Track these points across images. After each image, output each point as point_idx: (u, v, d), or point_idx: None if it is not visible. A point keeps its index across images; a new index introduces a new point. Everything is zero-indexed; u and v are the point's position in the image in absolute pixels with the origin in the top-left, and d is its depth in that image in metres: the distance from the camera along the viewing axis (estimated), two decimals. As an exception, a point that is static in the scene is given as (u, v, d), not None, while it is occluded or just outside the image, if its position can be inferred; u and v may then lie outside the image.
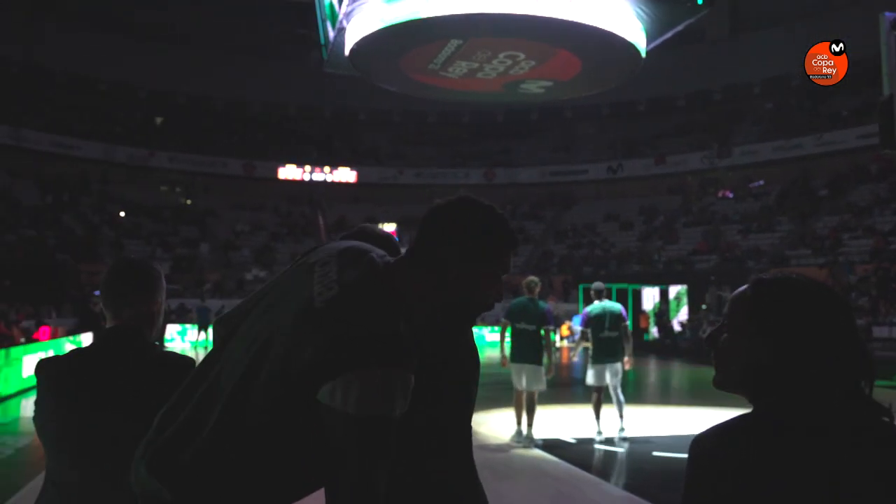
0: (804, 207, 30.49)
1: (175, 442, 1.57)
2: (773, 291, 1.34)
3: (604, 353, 8.35)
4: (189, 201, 36.17)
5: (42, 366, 2.12)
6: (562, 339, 27.49)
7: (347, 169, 38.13)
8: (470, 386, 1.89)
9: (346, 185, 38.02)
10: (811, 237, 28.33)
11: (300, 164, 37.75)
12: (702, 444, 1.29)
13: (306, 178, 37.62)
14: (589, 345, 8.68)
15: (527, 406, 8.24)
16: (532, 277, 8.48)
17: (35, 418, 2.13)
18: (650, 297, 29.18)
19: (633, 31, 14.58)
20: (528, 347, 8.13)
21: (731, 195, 34.30)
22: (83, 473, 2.02)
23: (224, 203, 36.01)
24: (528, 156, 39.72)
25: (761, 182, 33.58)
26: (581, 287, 30.09)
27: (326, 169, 37.83)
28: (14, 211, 28.88)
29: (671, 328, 26.75)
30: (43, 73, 33.81)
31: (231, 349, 1.68)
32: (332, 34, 15.25)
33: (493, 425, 9.27)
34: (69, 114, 33.97)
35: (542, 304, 8.32)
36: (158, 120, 37.59)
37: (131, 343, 2.12)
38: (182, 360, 2.13)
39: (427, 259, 1.64)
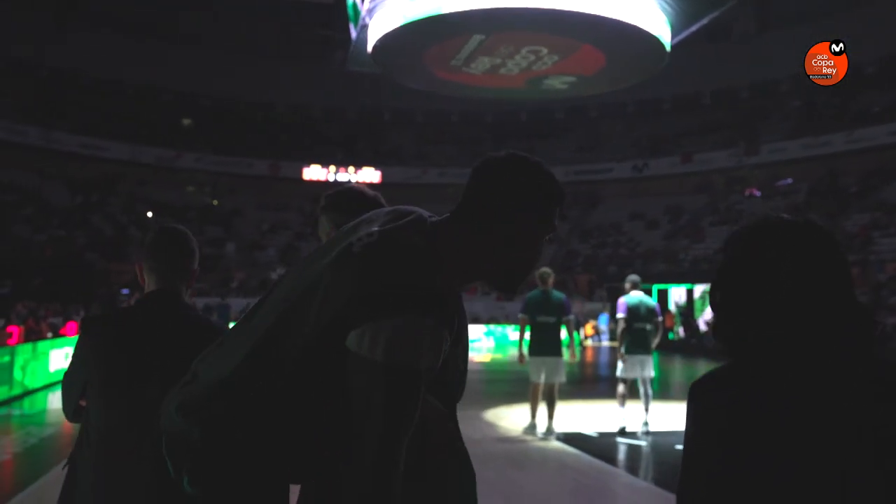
0: (833, 205, 30.05)
1: (206, 386, 1.57)
2: (761, 236, 1.32)
3: (637, 344, 8.27)
4: (215, 201, 36.50)
5: (88, 322, 2.20)
6: (586, 338, 27.32)
7: (371, 169, 38.25)
8: (461, 375, 1.80)
9: (370, 185, 37.82)
10: (841, 235, 27.90)
11: (324, 164, 37.95)
12: (702, 384, 1.31)
13: (331, 178, 37.78)
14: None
15: (547, 399, 8.17)
16: (545, 269, 8.38)
17: (70, 373, 2.20)
18: (676, 296, 28.92)
19: (658, 24, 14.46)
20: (550, 340, 8.06)
21: (758, 193, 33.90)
22: (119, 419, 2.08)
23: (249, 203, 36.29)
24: (552, 155, 39.52)
25: (790, 180, 33.15)
26: (606, 287, 29.94)
27: (351, 169, 37.99)
28: (44, 211, 29.34)
29: (697, 327, 26.48)
30: (71, 76, 34.32)
31: (269, 300, 1.66)
32: (353, 32, 15.30)
33: (514, 419, 9.22)
34: (97, 116, 34.42)
35: (556, 294, 8.24)
36: (185, 121, 37.98)
37: (172, 305, 2.21)
38: (219, 325, 2.22)
39: (472, 216, 1.58)
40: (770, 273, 1.28)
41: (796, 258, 1.28)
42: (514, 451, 7.50)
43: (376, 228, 1.60)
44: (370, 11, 14.30)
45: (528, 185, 1.58)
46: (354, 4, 14.46)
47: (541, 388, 8.18)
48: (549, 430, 8.09)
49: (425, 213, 1.65)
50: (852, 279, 1.31)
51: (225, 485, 1.56)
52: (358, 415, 1.45)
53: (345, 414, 1.49)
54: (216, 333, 1.94)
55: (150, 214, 33.05)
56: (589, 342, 25.54)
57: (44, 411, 11.01)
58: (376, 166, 38.42)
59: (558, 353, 8.08)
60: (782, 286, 1.27)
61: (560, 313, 8.05)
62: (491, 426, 9.00)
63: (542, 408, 8.28)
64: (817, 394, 1.22)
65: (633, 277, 8.61)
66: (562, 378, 8.16)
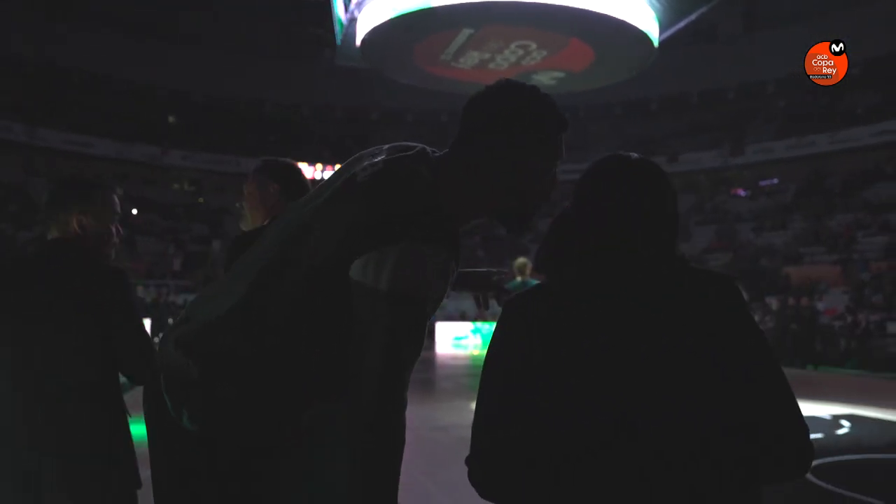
0: (818, 205, 30.29)
1: (202, 323, 1.56)
2: (591, 167, 1.40)
3: None
4: (202, 199, 36.33)
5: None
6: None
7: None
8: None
9: (358, 183, 38.04)
10: (825, 235, 28.13)
11: (312, 163, 37.82)
12: (512, 298, 1.37)
13: (317, 176, 37.68)
14: None
15: None
16: (521, 259, 8.40)
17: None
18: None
19: (646, 20, 14.55)
20: None
21: (744, 193, 34.12)
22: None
23: (236, 201, 36.16)
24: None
25: (775, 180, 33.38)
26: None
27: (338, 167, 37.93)
28: (29, 208, 29.11)
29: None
30: (58, 72, 34.06)
31: (262, 242, 1.64)
32: (338, 38, 15.30)
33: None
34: (84, 112, 34.20)
35: (535, 283, 8.24)
36: (172, 119, 37.79)
37: (69, 254, 2.17)
38: (116, 270, 2.20)
39: (471, 152, 1.54)
40: (599, 202, 1.34)
41: (623, 192, 1.33)
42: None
43: (382, 158, 1.58)
44: (359, 4, 14.32)
45: (525, 110, 1.54)
46: (340, 19, 14.48)
47: None
48: None
49: (429, 148, 1.63)
50: (676, 228, 1.37)
51: (224, 420, 1.53)
52: (361, 344, 1.43)
53: (349, 343, 1.47)
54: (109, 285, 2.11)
55: (134, 212, 32.86)
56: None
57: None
58: (365, 165, 38.35)
59: None
60: (607, 215, 1.32)
61: None
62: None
63: None
64: (620, 293, 1.27)
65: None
66: None
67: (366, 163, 1.60)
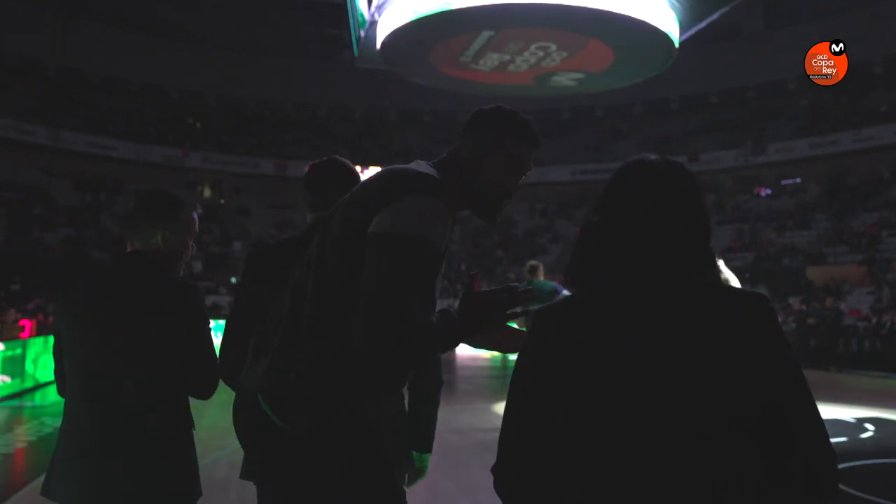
0: (841, 204, 29.98)
1: (287, 329, 1.69)
2: (617, 175, 1.42)
3: None
4: (222, 200, 36.57)
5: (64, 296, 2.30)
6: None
7: (378, 168, 38.21)
8: None
9: (377, 184, 38.13)
10: (848, 234, 27.83)
11: (331, 164, 37.98)
12: (542, 312, 1.37)
13: (337, 177, 37.80)
14: None
15: None
16: (532, 261, 8.39)
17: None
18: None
19: (667, 20, 14.47)
20: None
21: (766, 193, 33.84)
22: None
23: (257, 202, 36.36)
24: (559, 154, 39.51)
25: (798, 179, 33.09)
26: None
27: (357, 168, 37.69)
28: (52, 211, 29.46)
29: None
30: (78, 75, 34.41)
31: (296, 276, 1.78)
32: (361, 32, 15.34)
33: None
34: (104, 115, 34.55)
35: (547, 284, 8.21)
36: (191, 121, 38.07)
37: (145, 269, 2.24)
38: (188, 286, 2.28)
39: (455, 150, 1.84)
40: (631, 210, 1.33)
41: (654, 198, 1.32)
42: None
43: (392, 165, 1.84)
44: (379, 8, 14.35)
45: (495, 118, 1.83)
46: (362, 14, 14.53)
47: None
48: None
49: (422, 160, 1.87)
50: (709, 225, 1.36)
51: (326, 417, 1.66)
52: (373, 277, 1.57)
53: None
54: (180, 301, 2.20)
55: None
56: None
57: (56, 402, 11.07)
58: (383, 165, 38.27)
59: None
60: (640, 225, 1.32)
61: (550, 299, 8.00)
62: (499, 418, 9.01)
63: None
64: (649, 308, 1.27)
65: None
66: None
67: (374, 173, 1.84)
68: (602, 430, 1.23)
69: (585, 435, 1.23)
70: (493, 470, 1.34)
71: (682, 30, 14.99)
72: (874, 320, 19.33)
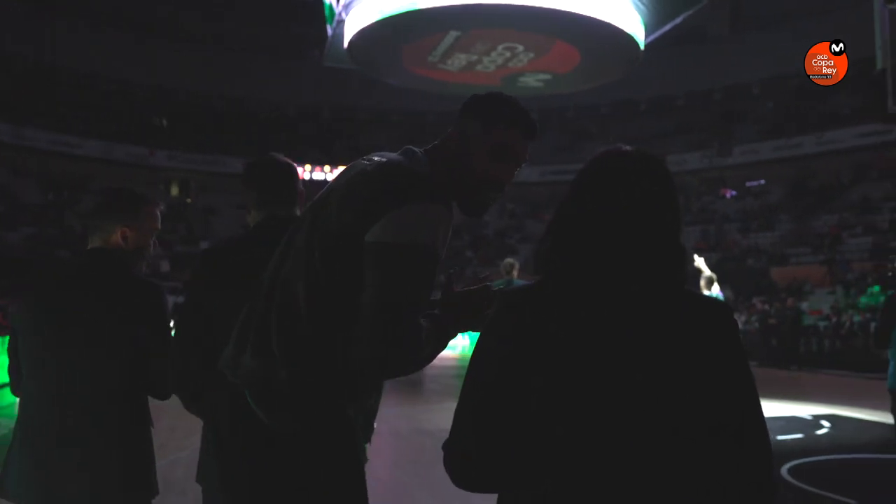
0: (804, 206, 30.49)
1: (274, 325, 1.66)
2: (591, 163, 1.40)
3: None
4: (189, 199, 36.21)
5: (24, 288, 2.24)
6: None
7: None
8: None
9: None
10: (811, 235, 28.32)
11: (300, 163, 37.60)
12: (507, 295, 1.39)
13: (306, 177, 37.57)
14: None
15: None
16: (508, 259, 8.45)
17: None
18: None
19: (632, 22, 14.61)
20: None
21: (731, 194, 34.29)
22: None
23: (224, 201, 36.02)
24: (529, 155, 39.68)
25: (762, 181, 33.58)
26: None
27: (326, 168, 37.82)
28: (16, 209, 28.95)
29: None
30: (45, 71, 33.83)
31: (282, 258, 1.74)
32: (329, 29, 15.29)
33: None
34: (70, 112, 34.00)
35: (521, 283, 8.27)
36: (159, 119, 37.63)
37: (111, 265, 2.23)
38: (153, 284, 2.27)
39: (446, 138, 1.76)
40: (601, 198, 1.32)
41: (631, 186, 1.32)
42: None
43: (382, 156, 1.75)
44: (346, 7, 14.32)
45: (491, 104, 1.75)
46: (330, 5, 14.48)
47: None
48: None
49: (414, 147, 1.81)
50: (681, 219, 1.36)
51: (319, 416, 1.66)
52: (372, 288, 1.55)
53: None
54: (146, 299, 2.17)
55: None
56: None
57: (13, 404, 10.86)
58: (352, 166, 38.26)
59: None
60: (608, 213, 1.31)
61: None
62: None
63: None
64: (614, 307, 1.27)
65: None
66: None
67: (366, 162, 1.76)
68: (567, 417, 1.24)
69: (552, 420, 1.24)
70: (444, 446, 1.34)
71: (648, 32, 15.15)
72: (834, 320, 19.70)
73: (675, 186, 1.37)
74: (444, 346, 1.68)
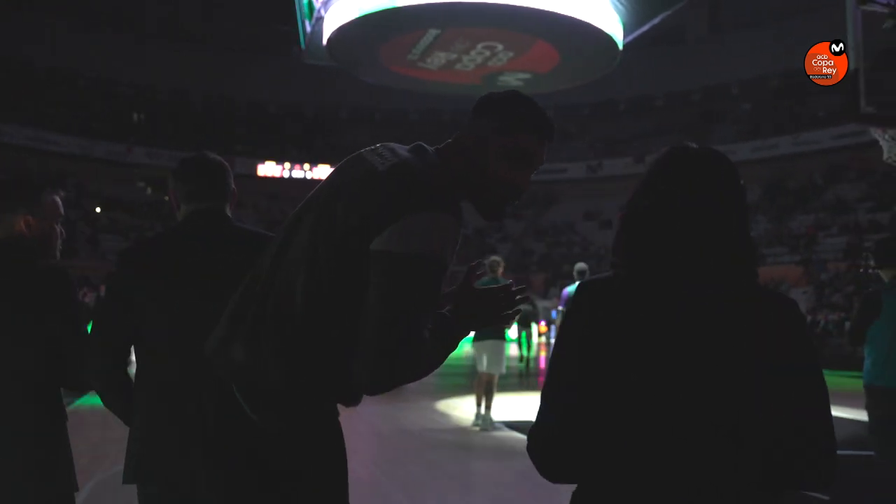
0: (781, 206, 30.78)
1: (269, 320, 1.64)
2: (661, 160, 1.43)
3: None
4: (166, 197, 35.91)
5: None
6: (539, 335, 27.58)
7: (327, 166, 37.95)
8: None
9: (326, 182, 37.93)
10: (787, 235, 28.60)
11: (280, 161, 37.60)
12: (586, 286, 1.41)
13: (286, 175, 37.49)
14: None
15: (486, 389, 8.17)
16: (494, 257, 8.45)
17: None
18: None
19: (611, 22, 14.68)
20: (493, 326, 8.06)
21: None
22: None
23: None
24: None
25: (740, 181, 33.90)
26: (560, 286, 30.20)
27: (306, 166, 37.73)
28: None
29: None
30: (23, 67, 33.44)
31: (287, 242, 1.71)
32: (308, 27, 15.22)
33: (466, 409, 9.27)
34: (48, 108, 33.65)
35: (503, 281, 8.26)
36: (137, 116, 37.31)
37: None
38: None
39: (460, 138, 1.72)
40: (674, 194, 1.36)
41: (698, 183, 1.36)
42: (466, 439, 7.58)
43: (393, 152, 1.69)
44: (325, 4, 14.25)
45: (510, 107, 1.71)
46: (310, 1, 14.44)
47: (485, 378, 8.20)
48: (486, 420, 8.09)
49: (425, 144, 1.77)
50: (747, 213, 1.39)
51: (307, 414, 1.66)
52: (378, 298, 1.53)
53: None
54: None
55: (98, 210, 32.42)
56: (542, 339, 25.74)
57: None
58: (332, 163, 37.80)
59: (500, 337, 8.14)
60: (682, 209, 1.34)
61: None
62: (443, 416, 9.06)
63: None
64: (694, 302, 1.30)
65: (580, 266, 8.64)
66: (501, 370, 8.20)
67: (369, 157, 1.70)
68: (651, 407, 1.27)
69: (636, 411, 1.27)
70: (529, 433, 1.36)
71: (627, 32, 15.22)
72: (809, 319, 19.92)
73: (741, 182, 1.41)
74: (454, 347, 1.66)
